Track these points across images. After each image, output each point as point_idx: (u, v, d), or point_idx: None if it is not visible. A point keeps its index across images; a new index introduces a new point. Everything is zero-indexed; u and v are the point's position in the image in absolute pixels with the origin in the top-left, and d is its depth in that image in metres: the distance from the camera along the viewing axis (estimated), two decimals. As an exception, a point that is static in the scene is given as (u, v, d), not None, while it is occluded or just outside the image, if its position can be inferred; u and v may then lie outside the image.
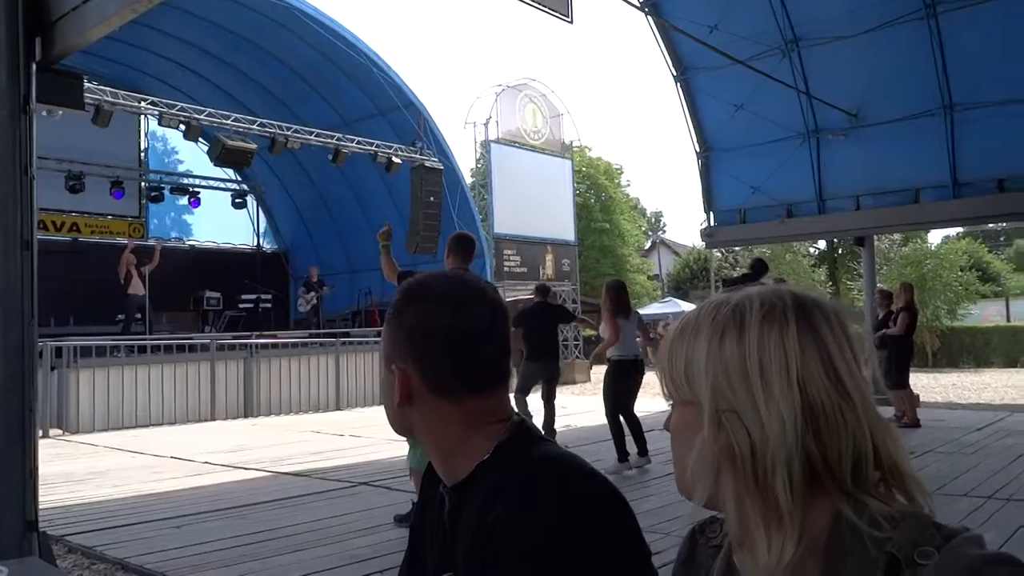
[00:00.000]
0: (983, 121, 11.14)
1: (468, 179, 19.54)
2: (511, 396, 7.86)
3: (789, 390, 0.71)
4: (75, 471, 7.41)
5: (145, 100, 12.07)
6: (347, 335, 14.50)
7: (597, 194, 32.82)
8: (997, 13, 10.55)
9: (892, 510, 0.71)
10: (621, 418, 6.68)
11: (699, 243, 22.22)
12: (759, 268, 8.05)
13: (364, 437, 9.22)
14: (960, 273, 24.71)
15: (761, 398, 0.72)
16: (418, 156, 14.79)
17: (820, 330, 0.74)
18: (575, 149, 25.07)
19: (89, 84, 10.44)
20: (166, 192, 16.75)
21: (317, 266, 16.38)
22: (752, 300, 0.76)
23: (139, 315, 13.03)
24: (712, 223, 14.28)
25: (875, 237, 14.17)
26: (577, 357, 21.68)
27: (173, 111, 12.03)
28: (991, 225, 37.04)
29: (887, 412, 9.19)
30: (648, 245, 44.87)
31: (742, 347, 0.74)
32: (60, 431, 10.41)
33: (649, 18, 12.80)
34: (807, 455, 0.71)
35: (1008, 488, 5.57)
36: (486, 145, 19.76)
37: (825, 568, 0.72)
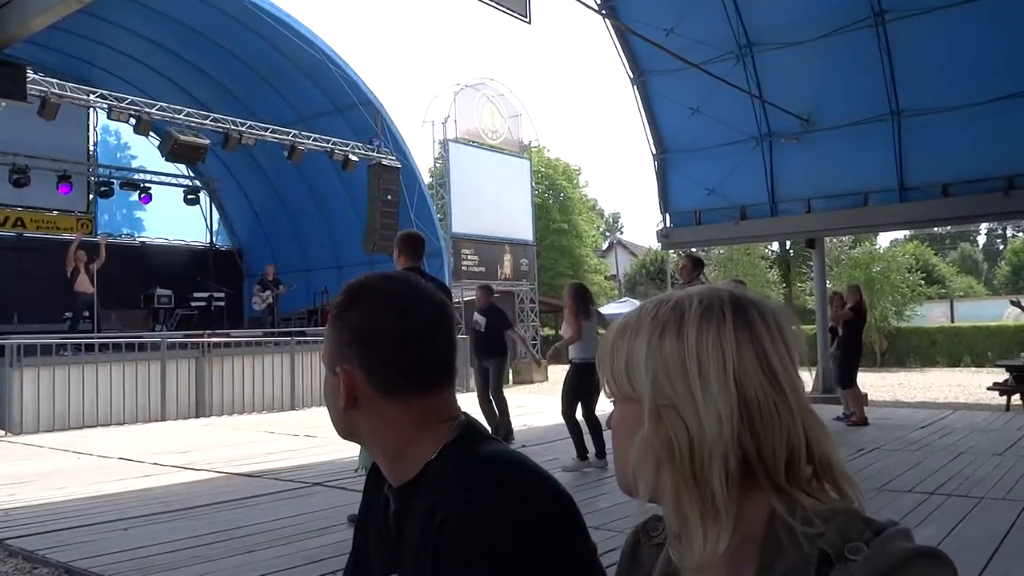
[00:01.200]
0: (929, 128, 11.48)
1: (426, 178, 19.46)
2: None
3: (726, 385, 0.73)
4: (17, 473, 7.20)
5: (94, 93, 11.77)
6: (303, 334, 14.32)
7: (555, 194, 32.98)
8: (942, 23, 10.88)
9: (824, 506, 0.73)
10: (580, 417, 6.73)
11: (656, 244, 22.45)
12: (698, 262, 8.17)
13: (319, 437, 9.12)
14: (907, 275, 25.40)
15: (699, 393, 0.74)
16: (375, 154, 14.68)
17: (756, 328, 0.76)
18: (533, 149, 25.14)
19: (34, 75, 10.14)
20: (116, 187, 16.35)
21: (274, 264, 16.17)
22: (691, 298, 0.78)
23: (87, 313, 12.70)
24: (668, 224, 14.46)
25: (825, 239, 14.48)
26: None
27: (123, 104, 11.74)
28: (937, 229, 38.14)
29: (835, 410, 9.42)
30: (606, 246, 45.23)
31: (681, 343, 0.75)
32: (2, 432, 10.11)
33: (607, 21, 12.90)
34: (743, 449, 0.73)
35: (949, 484, 5.74)
36: (444, 144, 19.71)
37: (761, 563, 0.74)
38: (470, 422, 1.10)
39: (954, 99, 11.02)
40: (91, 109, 14.35)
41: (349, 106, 15.14)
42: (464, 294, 18.18)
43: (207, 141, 12.55)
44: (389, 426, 1.06)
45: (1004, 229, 51.35)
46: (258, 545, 4.52)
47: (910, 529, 0.72)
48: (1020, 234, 43.63)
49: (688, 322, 0.76)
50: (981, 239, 56.47)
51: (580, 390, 6.76)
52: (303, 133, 13.96)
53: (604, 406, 7.32)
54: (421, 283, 1.11)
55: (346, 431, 1.10)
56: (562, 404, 6.82)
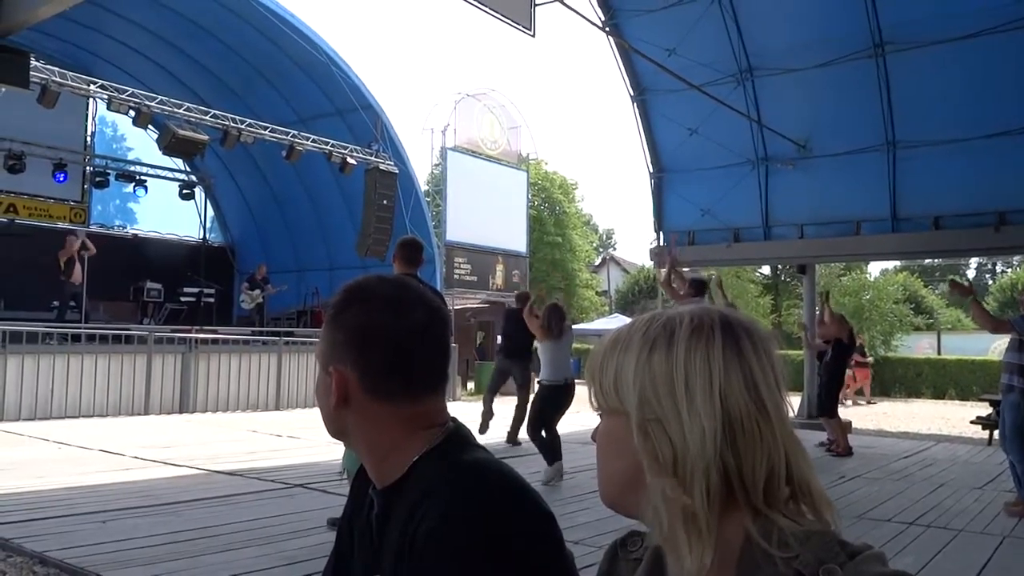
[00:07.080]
0: (923, 159, 11.57)
1: (423, 185, 19.47)
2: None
3: (711, 402, 0.75)
4: (-3, 460, 7.14)
5: (95, 83, 11.74)
6: (291, 335, 14.28)
7: (551, 208, 33.03)
8: (940, 57, 10.99)
9: (800, 528, 0.74)
10: (543, 432, 6.74)
11: (648, 262, 22.49)
12: (700, 287, 8.06)
13: (302, 439, 9.09)
14: (895, 305, 25.51)
15: (685, 409, 0.75)
16: (373, 158, 14.70)
17: (744, 349, 0.78)
18: (531, 162, 25.20)
19: (36, 63, 10.11)
20: (111, 178, 16.30)
21: (265, 263, 16.13)
22: (682, 317, 0.80)
23: (73, 303, 12.63)
24: (661, 243, 14.49)
25: (816, 266, 14.54)
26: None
27: (123, 96, 11.73)
28: (927, 261, 38.35)
29: (819, 436, 9.44)
30: (598, 261, 45.29)
31: (670, 360, 0.77)
32: (-17, 418, 10.02)
33: (610, 38, 12.98)
34: (724, 467, 0.74)
35: (929, 515, 5.77)
36: (443, 152, 19.74)
37: None
38: (458, 428, 1.10)
39: (949, 133, 11.12)
40: (91, 99, 14.31)
41: (350, 109, 15.16)
42: (455, 302, 18.19)
43: (206, 137, 12.53)
44: (377, 428, 1.06)
45: (994, 264, 51.73)
46: (236, 544, 4.50)
47: (884, 554, 0.73)
48: (1008, 271, 43.93)
49: (678, 339, 0.78)
50: (971, 273, 56.85)
51: (546, 410, 6.75)
52: (302, 134, 13.97)
53: (566, 421, 7.34)
54: (418, 287, 1.12)
55: (336, 430, 1.11)
56: (528, 427, 6.80)
